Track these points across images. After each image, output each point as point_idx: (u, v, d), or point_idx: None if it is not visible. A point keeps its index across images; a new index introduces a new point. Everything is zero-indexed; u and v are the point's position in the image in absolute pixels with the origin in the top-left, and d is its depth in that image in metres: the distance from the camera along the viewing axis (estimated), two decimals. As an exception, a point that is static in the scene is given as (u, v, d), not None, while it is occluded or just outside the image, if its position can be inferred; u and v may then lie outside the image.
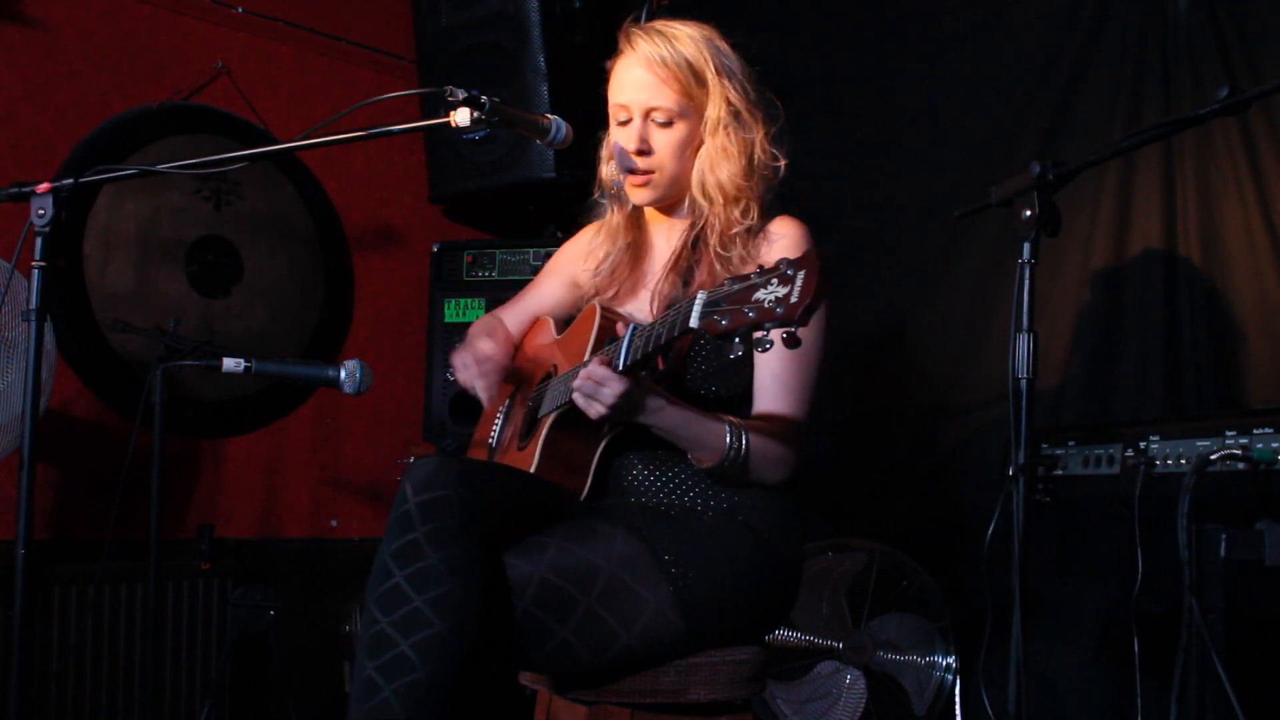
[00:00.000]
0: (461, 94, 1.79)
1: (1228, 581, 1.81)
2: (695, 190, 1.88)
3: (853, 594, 2.73)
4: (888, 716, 2.69)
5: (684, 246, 1.90)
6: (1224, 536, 1.82)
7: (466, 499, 1.53)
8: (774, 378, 1.78)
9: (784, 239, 1.83)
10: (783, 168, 1.89)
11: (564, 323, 2.07)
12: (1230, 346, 2.54)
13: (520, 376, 2.10)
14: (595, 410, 1.61)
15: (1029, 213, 1.74)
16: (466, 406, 3.36)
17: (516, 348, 2.18)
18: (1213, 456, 1.94)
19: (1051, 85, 2.90)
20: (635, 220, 2.02)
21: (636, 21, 1.90)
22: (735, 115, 1.85)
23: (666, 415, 1.66)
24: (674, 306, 1.53)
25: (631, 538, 1.67)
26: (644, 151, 1.85)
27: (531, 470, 1.79)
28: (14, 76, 3.09)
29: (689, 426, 1.68)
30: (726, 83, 1.85)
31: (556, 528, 1.66)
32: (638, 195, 1.91)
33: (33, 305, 1.90)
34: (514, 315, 2.21)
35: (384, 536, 1.52)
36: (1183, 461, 2.02)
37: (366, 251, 3.83)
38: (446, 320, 3.44)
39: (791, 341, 1.38)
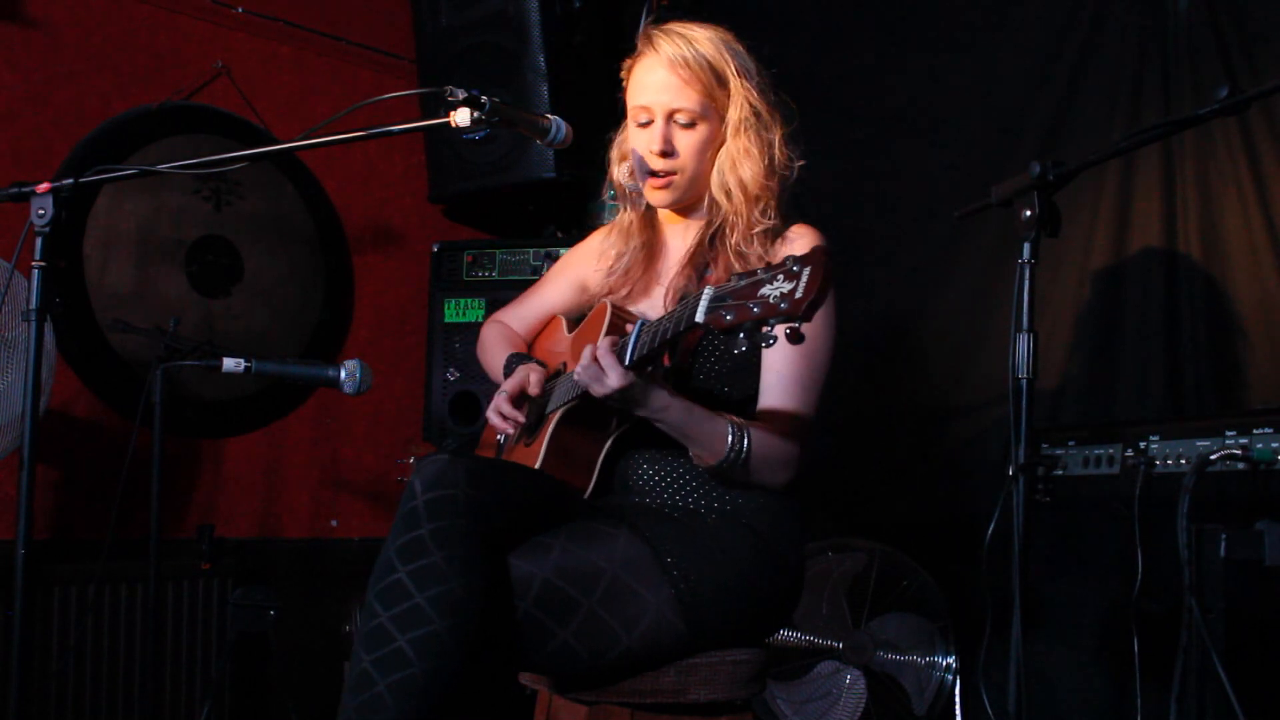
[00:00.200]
0: (461, 94, 1.79)
1: (1228, 581, 1.81)
2: (715, 190, 1.88)
3: (853, 594, 2.73)
4: (888, 716, 2.69)
5: (700, 243, 1.91)
6: (1224, 536, 1.81)
7: (473, 499, 1.53)
8: (780, 376, 1.78)
9: (802, 242, 1.84)
10: (797, 169, 1.90)
11: (576, 322, 2.08)
12: (1230, 346, 2.54)
13: None
14: (600, 390, 1.61)
15: (1029, 213, 1.74)
16: (466, 406, 3.36)
17: (529, 347, 2.18)
18: (1213, 456, 1.94)
19: (1051, 85, 2.90)
20: (649, 220, 2.02)
21: (655, 23, 1.90)
22: (756, 115, 1.86)
23: (671, 412, 1.66)
24: (682, 301, 1.53)
25: (634, 539, 1.68)
26: (667, 153, 1.86)
27: (537, 465, 1.80)
28: (14, 76, 3.09)
29: (692, 424, 1.68)
30: (746, 84, 1.86)
31: (561, 528, 1.66)
32: (658, 197, 1.92)
33: (33, 305, 1.90)
34: (518, 317, 2.21)
35: (390, 531, 1.52)
36: (1183, 461, 2.02)
37: (366, 251, 3.83)
38: (446, 320, 3.44)
39: (794, 337, 1.39)
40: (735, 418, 1.71)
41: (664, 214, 2.01)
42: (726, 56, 1.85)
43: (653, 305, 1.94)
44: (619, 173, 2.00)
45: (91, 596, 2.87)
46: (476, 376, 3.25)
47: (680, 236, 1.98)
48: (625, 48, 1.94)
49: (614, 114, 2.01)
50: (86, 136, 3.18)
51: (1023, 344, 1.75)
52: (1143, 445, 2.10)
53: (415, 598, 1.46)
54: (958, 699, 2.70)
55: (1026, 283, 1.74)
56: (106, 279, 3.21)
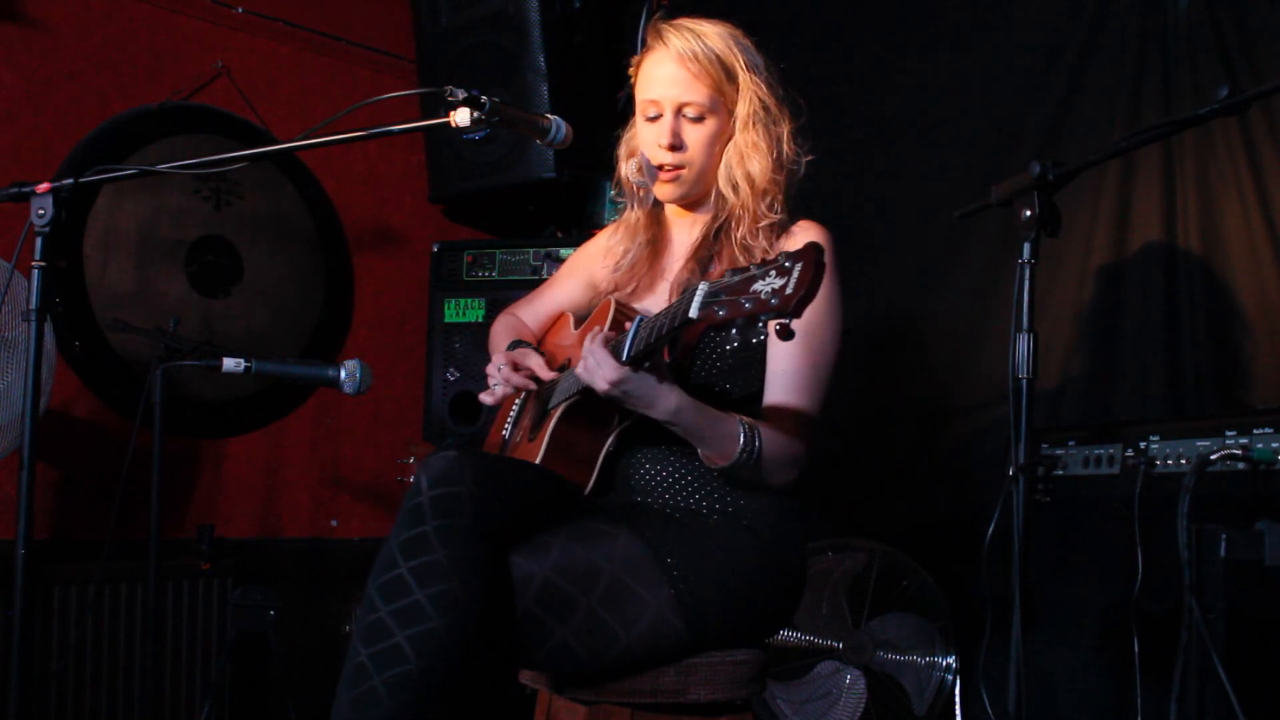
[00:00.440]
0: (461, 94, 1.79)
1: (1228, 581, 1.81)
2: (722, 184, 1.88)
3: (853, 594, 2.73)
4: (888, 716, 2.69)
5: (705, 236, 1.91)
6: (1224, 536, 1.81)
7: (478, 497, 1.53)
8: (785, 374, 1.78)
9: (805, 236, 1.84)
10: (805, 164, 1.90)
11: (584, 319, 2.08)
12: (1230, 346, 2.54)
13: None
14: (600, 386, 1.61)
15: (1029, 213, 1.74)
16: (466, 406, 3.36)
17: (538, 343, 2.19)
18: (1213, 456, 1.94)
19: (1051, 85, 2.90)
20: (655, 217, 2.02)
21: (663, 16, 1.90)
22: (765, 110, 1.86)
23: (685, 414, 1.65)
24: (678, 298, 1.53)
25: (634, 539, 1.67)
26: (676, 147, 1.86)
27: (538, 461, 1.80)
28: (14, 76, 3.10)
29: (706, 426, 1.67)
30: (755, 78, 1.86)
31: (562, 527, 1.66)
32: (666, 191, 1.91)
33: (33, 305, 1.90)
34: (531, 313, 2.22)
35: (394, 526, 1.52)
36: (1183, 461, 2.02)
37: (366, 251, 3.83)
38: (446, 320, 3.44)
39: (784, 333, 1.39)
40: (746, 418, 1.70)
41: (670, 209, 2.01)
42: (735, 51, 1.85)
43: (657, 301, 1.94)
44: (627, 169, 2.00)
45: (91, 596, 2.87)
46: (477, 376, 3.25)
47: (686, 231, 1.98)
48: (625, 48, 1.95)
49: (614, 114, 2.01)
50: (86, 136, 3.19)
51: (1023, 344, 1.75)
52: (1143, 445, 2.10)
53: (416, 594, 1.46)
54: (958, 699, 2.70)
55: (1026, 283, 1.74)
56: (106, 279, 3.21)
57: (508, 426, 2.13)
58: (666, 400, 1.63)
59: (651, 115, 1.88)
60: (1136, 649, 2.11)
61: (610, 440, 1.83)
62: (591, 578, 1.61)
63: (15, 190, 1.93)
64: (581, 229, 3.51)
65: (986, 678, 2.38)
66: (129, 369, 3.20)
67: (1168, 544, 1.85)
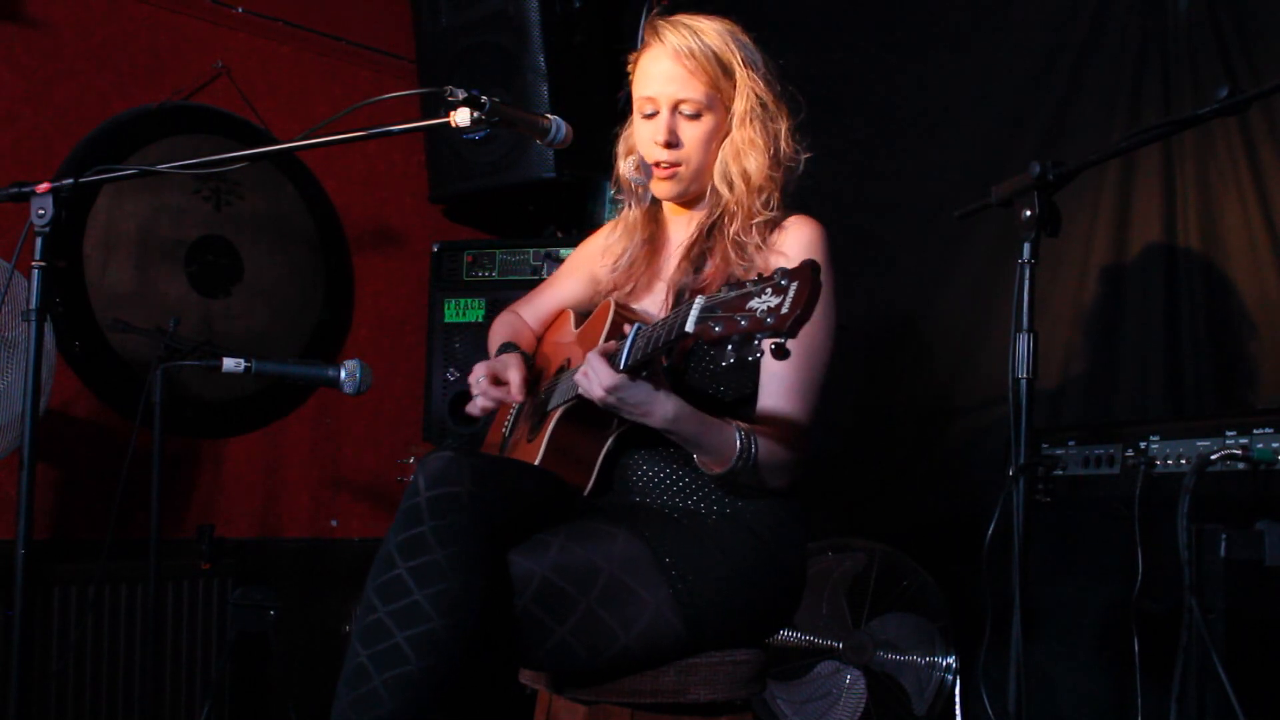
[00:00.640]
0: (461, 94, 1.79)
1: (1228, 581, 1.81)
2: (717, 180, 1.87)
3: (853, 594, 2.73)
4: (888, 716, 2.69)
5: (698, 235, 1.90)
6: (1224, 536, 1.81)
7: (477, 496, 1.53)
8: (780, 379, 1.77)
9: (793, 234, 1.83)
10: (804, 161, 1.90)
11: (584, 316, 2.08)
12: (1230, 346, 2.54)
13: (536, 371, 2.11)
14: (596, 394, 1.61)
15: (1029, 213, 1.74)
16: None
17: (539, 340, 2.18)
18: (1213, 456, 1.94)
19: (1051, 85, 2.90)
20: (653, 215, 2.02)
21: (662, 14, 1.89)
22: (762, 106, 1.85)
23: (683, 423, 1.65)
24: (675, 309, 1.53)
25: (633, 539, 1.67)
26: (672, 144, 1.85)
27: (536, 462, 1.79)
28: (14, 76, 3.10)
29: (704, 434, 1.66)
30: (752, 75, 1.85)
31: (561, 526, 1.66)
32: (663, 189, 1.91)
33: (33, 305, 1.90)
34: (532, 311, 2.22)
35: (391, 526, 1.52)
36: (1183, 461, 2.02)
37: (366, 251, 3.83)
38: (446, 320, 3.44)
39: (779, 352, 1.38)
40: (742, 424, 1.70)
41: (668, 207, 2.01)
42: (733, 47, 1.85)
43: (655, 301, 1.94)
44: (625, 167, 1.99)
45: (91, 596, 2.87)
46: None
47: (683, 229, 1.97)
48: (625, 48, 1.94)
49: (614, 114, 2.01)
50: (86, 136, 3.19)
51: (1023, 344, 1.74)
52: (1143, 445, 2.10)
53: (414, 594, 1.46)
54: (958, 699, 2.70)
55: (1026, 283, 1.74)
56: (106, 279, 3.21)
57: (507, 426, 2.13)
58: (664, 408, 1.63)
59: (648, 112, 1.87)
60: (1136, 649, 2.11)
61: (609, 442, 1.83)
62: (590, 577, 1.61)
63: (15, 190, 1.93)
64: (581, 229, 3.51)
65: (986, 678, 2.38)
66: (129, 369, 3.20)
67: (1168, 544, 1.85)
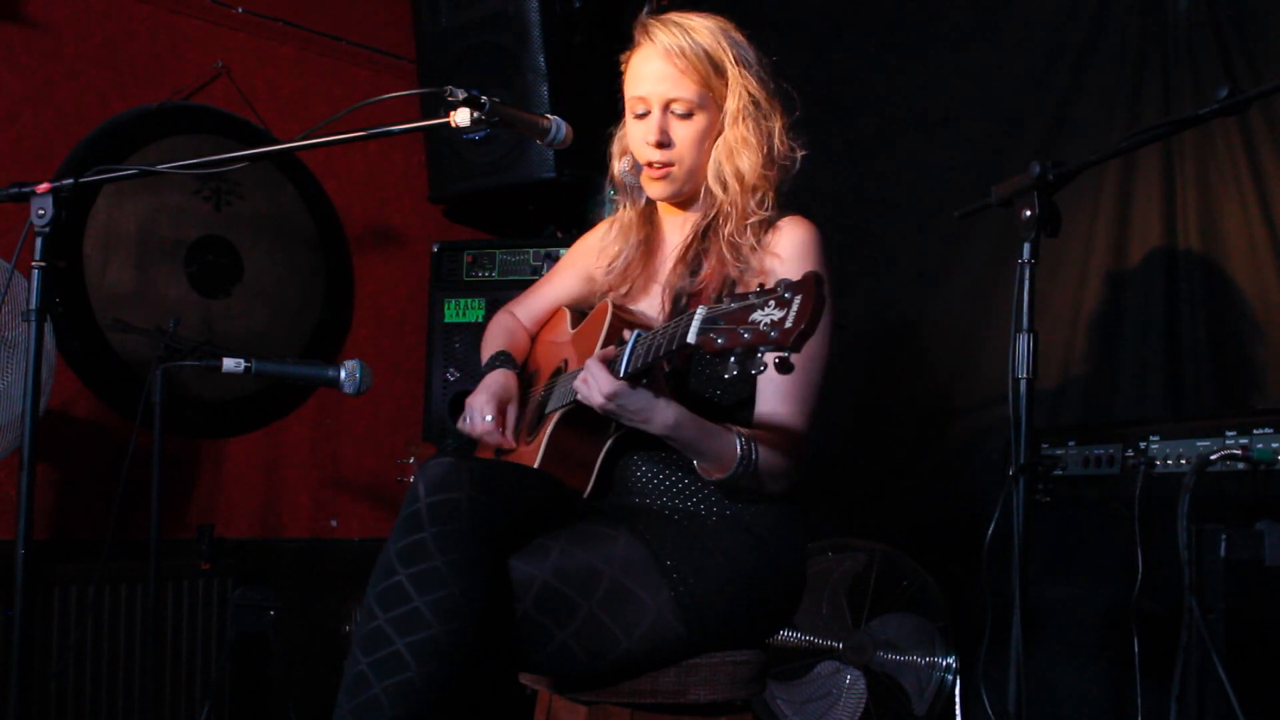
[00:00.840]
0: (461, 94, 1.78)
1: (1228, 581, 1.81)
2: (711, 180, 1.86)
3: (853, 594, 2.73)
4: (888, 716, 2.69)
5: (693, 237, 1.89)
6: (1224, 536, 1.81)
7: (477, 502, 1.52)
8: (777, 383, 1.76)
9: (787, 235, 1.82)
10: (799, 159, 1.88)
11: (580, 315, 2.07)
12: (1230, 346, 2.54)
13: (533, 372, 2.10)
14: (595, 401, 1.61)
15: (1029, 213, 1.74)
16: (466, 407, 3.36)
17: (533, 340, 2.18)
18: (1213, 456, 1.94)
19: (1051, 85, 2.90)
20: (648, 216, 2.01)
21: (652, 13, 1.88)
22: (755, 105, 1.84)
23: (683, 429, 1.64)
24: (676, 318, 1.52)
25: (634, 541, 1.67)
26: (664, 144, 1.83)
27: (535, 465, 1.79)
28: (14, 76, 3.10)
29: (702, 440, 1.66)
30: (745, 73, 1.83)
31: (561, 530, 1.66)
32: (656, 189, 1.90)
33: (33, 305, 1.90)
34: (527, 310, 2.21)
35: (391, 532, 1.52)
36: (1183, 461, 2.02)
37: (366, 251, 3.83)
38: (446, 320, 3.44)
39: (783, 366, 1.37)
40: (743, 431, 1.69)
41: (663, 208, 2.00)
42: (724, 45, 1.83)
43: (652, 303, 1.93)
44: (619, 167, 1.98)
45: (91, 596, 2.87)
46: (476, 376, 3.24)
47: (678, 230, 1.96)
48: (625, 48, 1.93)
49: (614, 114, 2.01)
50: (86, 136, 3.19)
51: (1023, 344, 1.74)
52: (1143, 445, 2.10)
53: (415, 601, 1.45)
54: (958, 699, 2.70)
55: (1026, 283, 1.74)
56: (106, 279, 3.21)
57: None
58: (664, 415, 1.62)
59: (640, 112, 1.86)
60: (1136, 649, 2.11)
61: (608, 444, 1.82)
62: (591, 581, 1.61)
63: (15, 190, 1.92)
64: (581, 229, 3.49)
65: (986, 678, 2.39)
66: (129, 369, 3.20)
67: (1168, 544, 1.85)
